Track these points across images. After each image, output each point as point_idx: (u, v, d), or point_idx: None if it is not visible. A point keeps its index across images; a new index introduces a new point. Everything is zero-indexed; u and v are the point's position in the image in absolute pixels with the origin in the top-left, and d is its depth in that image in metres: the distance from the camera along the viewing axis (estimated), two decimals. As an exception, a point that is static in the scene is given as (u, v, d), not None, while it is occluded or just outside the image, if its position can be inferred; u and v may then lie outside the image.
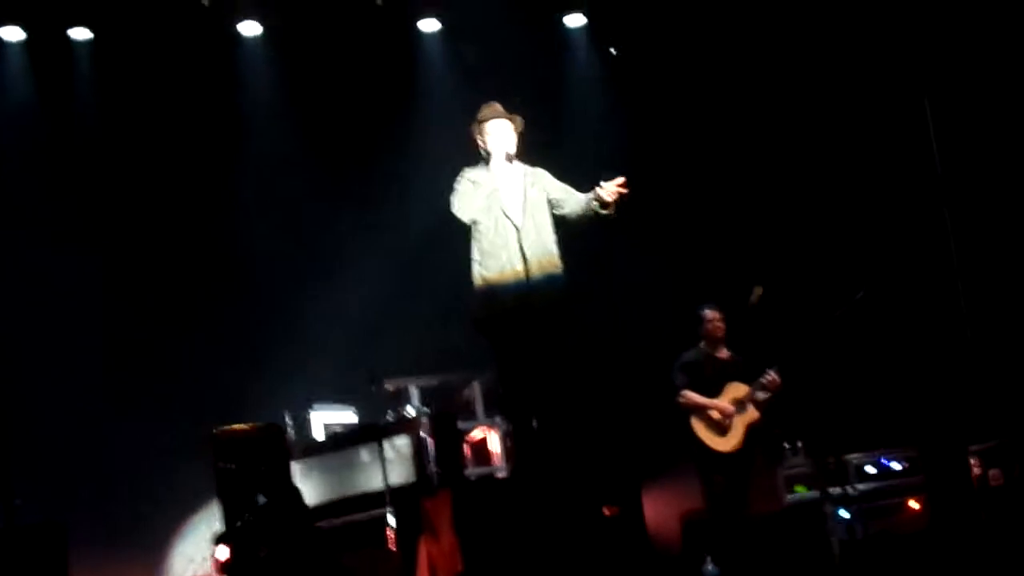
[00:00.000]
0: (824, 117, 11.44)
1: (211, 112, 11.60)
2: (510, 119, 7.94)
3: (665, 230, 11.75)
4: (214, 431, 9.02)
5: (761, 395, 9.25)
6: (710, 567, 8.90)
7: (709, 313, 9.48)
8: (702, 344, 9.52)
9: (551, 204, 7.87)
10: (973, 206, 10.77)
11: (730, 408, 9.24)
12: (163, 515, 10.75)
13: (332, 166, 11.86)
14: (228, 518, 8.81)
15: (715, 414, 9.24)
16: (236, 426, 9.11)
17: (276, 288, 11.54)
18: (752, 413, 9.25)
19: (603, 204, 7.67)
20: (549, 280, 7.68)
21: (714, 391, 9.31)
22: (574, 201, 7.85)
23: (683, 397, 9.34)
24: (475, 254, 7.78)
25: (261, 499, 8.76)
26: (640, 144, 11.74)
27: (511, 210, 7.76)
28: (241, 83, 11.82)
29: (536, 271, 7.64)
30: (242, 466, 8.87)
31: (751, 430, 9.24)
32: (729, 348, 9.52)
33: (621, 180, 7.62)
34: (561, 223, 7.89)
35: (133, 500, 10.55)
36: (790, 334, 9.59)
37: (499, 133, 7.89)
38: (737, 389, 9.28)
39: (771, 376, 9.22)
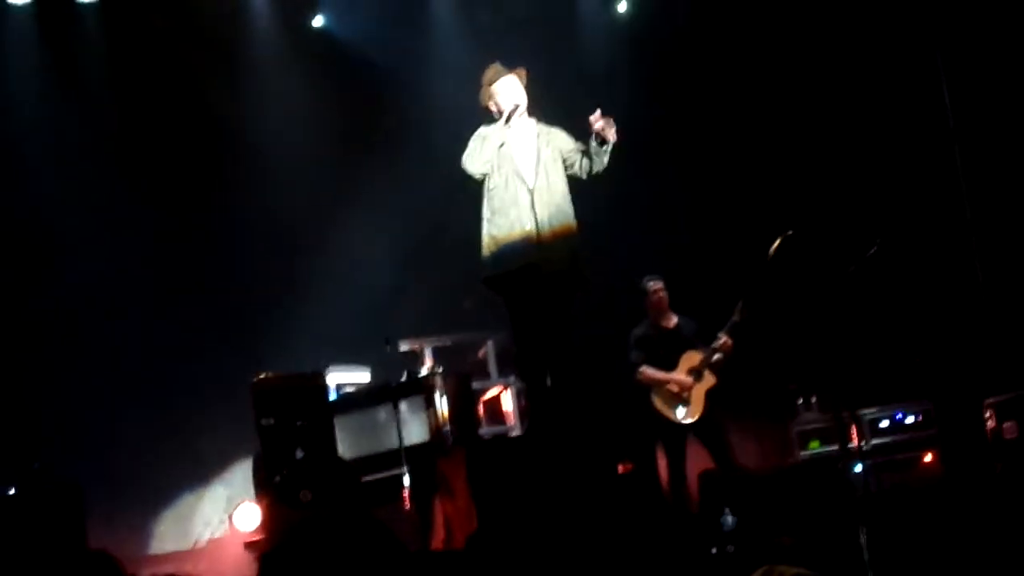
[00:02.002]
0: (836, 68, 11.36)
1: (221, 70, 11.57)
2: (514, 73, 7.95)
3: (679, 184, 11.73)
4: (253, 380, 9.08)
5: (715, 358, 9.26)
6: (729, 519, 8.93)
7: (651, 285, 9.51)
8: (649, 316, 9.54)
9: (564, 163, 7.87)
10: (987, 160, 10.74)
11: (687, 380, 9.26)
12: (180, 477, 10.82)
13: (348, 128, 11.84)
14: (268, 472, 8.86)
15: (673, 387, 9.26)
16: (275, 375, 9.18)
17: (292, 249, 11.54)
18: (709, 379, 9.27)
19: (601, 140, 7.71)
20: (561, 245, 7.69)
21: (669, 362, 9.33)
22: (582, 155, 7.87)
23: (641, 374, 9.37)
24: (485, 211, 7.80)
25: (299, 453, 8.83)
26: (652, 98, 11.70)
27: (523, 169, 7.76)
28: (249, 41, 11.79)
29: (547, 234, 7.65)
30: (281, 419, 8.92)
31: (710, 396, 9.26)
32: (676, 313, 9.53)
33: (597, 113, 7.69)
34: (575, 181, 7.91)
35: (150, 462, 10.59)
36: (805, 288, 9.58)
37: (507, 90, 7.90)
38: (692, 358, 9.30)
39: (723, 339, 9.24)
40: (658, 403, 9.30)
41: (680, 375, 9.29)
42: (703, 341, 9.33)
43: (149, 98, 11.38)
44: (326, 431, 9.02)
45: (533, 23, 11.60)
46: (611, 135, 7.71)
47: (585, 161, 7.87)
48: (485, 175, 7.78)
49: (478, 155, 7.77)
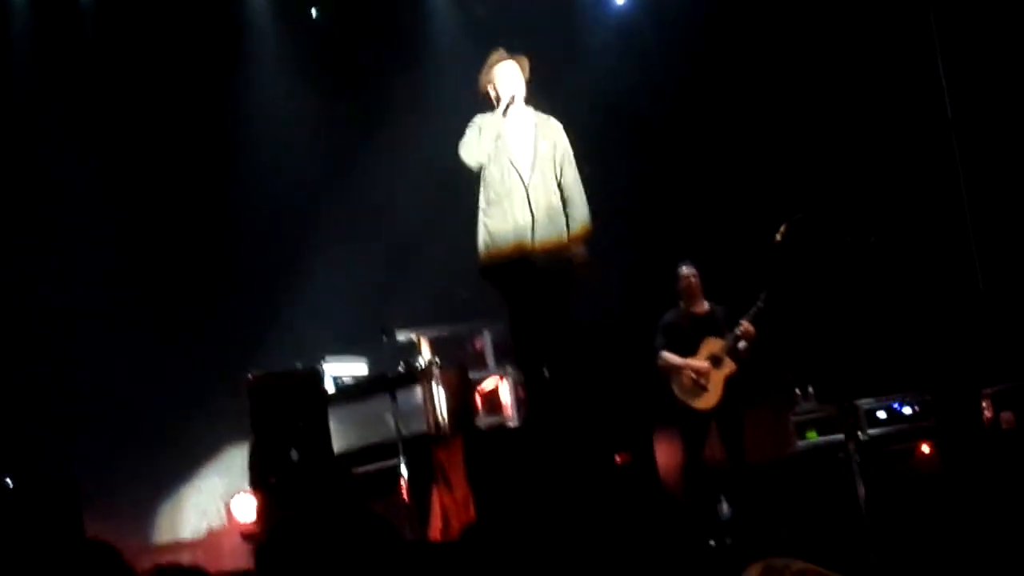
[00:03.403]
0: (837, 56, 11.33)
1: (216, 62, 11.57)
2: (516, 60, 7.91)
3: (680, 172, 11.71)
4: (249, 376, 9.08)
5: (739, 345, 9.25)
6: (725, 508, 8.93)
7: (684, 270, 9.48)
8: (680, 302, 9.53)
9: (556, 161, 7.85)
10: (985, 150, 10.74)
11: (704, 366, 9.23)
12: (174, 467, 10.82)
13: (343, 119, 11.84)
14: (263, 472, 8.90)
15: (691, 373, 9.25)
16: (270, 373, 9.21)
17: (288, 240, 11.54)
18: (729, 366, 9.24)
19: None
20: (554, 239, 7.69)
21: (694, 348, 9.32)
22: (569, 208, 7.87)
23: (661, 359, 9.37)
24: (481, 202, 7.79)
25: (295, 455, 8.86)
26: (650, 86, 11.68)
27: (519, 161, 7.74)
28: (247, 34, 11.81)
29: (542, 227, 7.65)
30: (277, 420, 8.95)
31: (729, 383, 9.24)
32: (709, 300, 9.52)
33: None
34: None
35: (144, 452, 10.59)
36: (803, 277, 9.58)
37: (507, 76, 7.86)
38: (713, 344, 9.28)
39: (745, 326, 9.22)
40: (676, 389, 9.30)
41: (697, 361, 9.27)
42: (732, 328, 9.32)
43: (144, 92, 11.37)
44: (321, 431, 9.02)
45: (529, 14, 11.58)
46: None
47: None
48: (481, 165, 7.77)
49: (475, 145, 7.75)
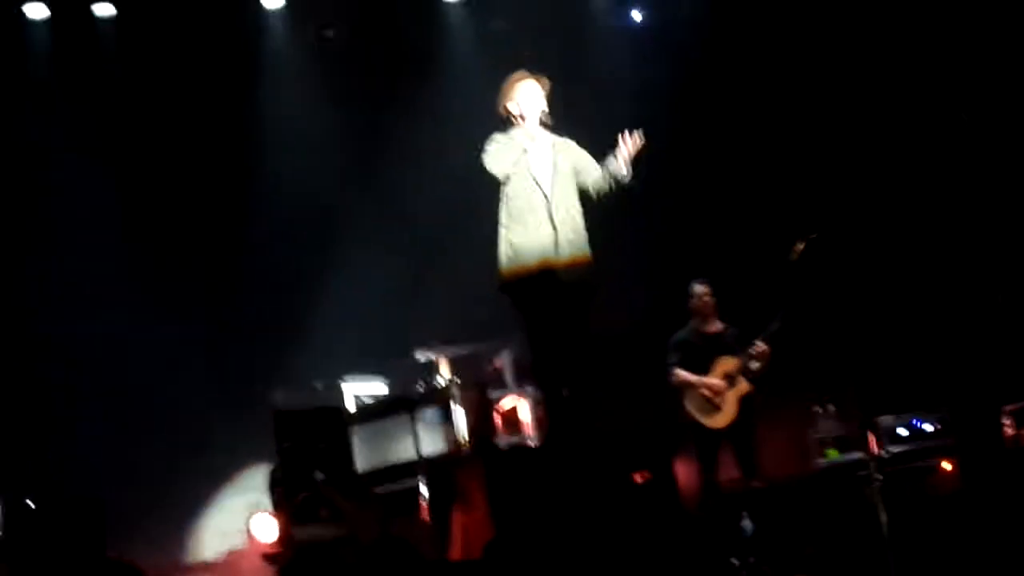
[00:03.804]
0: (854, 74, 11.34)
1: (237, 80, 11.63)
2: (537, 80, 7.93)
3: (696, 191, 11.71)
4: (274, 409, 9.13)
5: (753, 365, 9.25)
6: (748, 524, 8.92)
7: (697, 288, 9.52)
8: (692, 320, 9.54)
9: (575, 173, 7.86)
10: (1004, 165, 10.72)
11: (720, 384, 9.27)
12: (195, 487, 10.83)
13: (361, 136, 11.87)
14: (288, 492, 8.93)
15: (706, 391, 9.26)
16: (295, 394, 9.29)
17: (307, 258, 11.57)
18: (743, 385, 9.28)
19: (624, 165, 7.69)
20: (576, 256, 7.70)
21: (706, 367, 9.32)
22: (597, 172, 7.85)
23: (674, 376, 9.39)
24: (503, 217, 7.77)
25: (319, 475, 8.89)
26: (666, 102, 11.68)
27: (541, 177, 7.75)
28: (266, 52, 11.87)
29: (564, 243, 7.65)
30: (301, 439, 9.00)
31: (744, 402, 9.26)
32: (723, 320, 9.52)
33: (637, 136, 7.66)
34: (583, 196, 7.90)
35: (165, 472, 10.62)
36: (821, 295, 9.56)
37: (529, 94, 7.88)
38: (727, 363, 9.30)
39: (759, 346, 9.23)
40: (690, 407, 9.32)
41: (712, 379, 9.30)
42: (743, 349, 9.31)
43: (165, 105, 11.43)
44: (344, 452, 9.07)
45: (546, 31, 11.62)
46: (630, 159, 7.71)
47: (597, 177, 7.85)
48: (507, 177, 7.77)
49: (503, 156, 7.75)
